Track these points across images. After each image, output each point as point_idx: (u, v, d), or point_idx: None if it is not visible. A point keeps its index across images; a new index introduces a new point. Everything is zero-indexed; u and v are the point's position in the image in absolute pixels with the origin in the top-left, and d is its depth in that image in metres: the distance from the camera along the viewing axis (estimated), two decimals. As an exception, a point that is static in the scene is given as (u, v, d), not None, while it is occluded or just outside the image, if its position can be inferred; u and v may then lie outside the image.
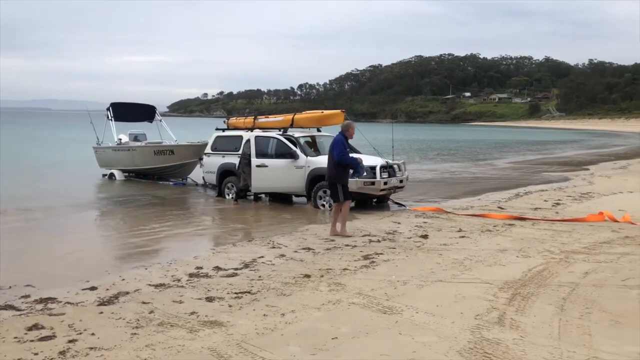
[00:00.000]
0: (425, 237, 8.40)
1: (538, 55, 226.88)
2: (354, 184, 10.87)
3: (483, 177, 19.63)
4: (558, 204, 11.92)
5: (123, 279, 6.18)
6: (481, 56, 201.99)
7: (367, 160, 11.72)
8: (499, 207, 11.42)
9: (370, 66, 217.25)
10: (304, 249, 7.68)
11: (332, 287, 5.73)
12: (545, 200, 12.41)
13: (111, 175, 17.47)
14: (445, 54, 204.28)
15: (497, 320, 4.67)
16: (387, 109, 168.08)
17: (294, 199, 12.82)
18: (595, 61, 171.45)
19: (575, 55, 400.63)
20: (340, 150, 8.65)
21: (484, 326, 4.53)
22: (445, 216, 10.39)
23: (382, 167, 11.22)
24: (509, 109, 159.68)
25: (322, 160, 11.68)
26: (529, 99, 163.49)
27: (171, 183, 16.70)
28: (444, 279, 6.01)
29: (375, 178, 11.02)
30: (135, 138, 18.77)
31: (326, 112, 13.13)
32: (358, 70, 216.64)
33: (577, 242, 7.91)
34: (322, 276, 6.18)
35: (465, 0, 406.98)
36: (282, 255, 7.26)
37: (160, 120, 19.81)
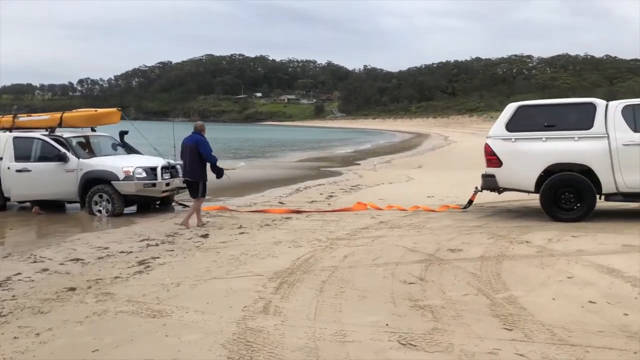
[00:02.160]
0: (205, 236, 8.48)
1: (321, 60, 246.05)
2: (133, 186, 10.45)
3: (269, 173, 20.56)
4: (331, 196, 13.13)
5: None
6: (270, 58, 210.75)
7: (148, 161, 11.37)
8: (279, 202, 12.10)
9: (159, 63, 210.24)
10: (71, 260, 7.09)
11: (99, 298, 5.42)
12: (320, 194, 13.55)
13: None
14: (236, 54, 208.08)
15: (262, 309, 4.97)
16: (179, 108, 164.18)
17: (67, 205, 11.73)
18: (369, 67, 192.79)
19: (352, 60, 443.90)
20: (210, 149, 9.31)
21: (249, 316, 4.78)
22: (229, 214, 10.62)
23: (164, 168, 10.97)
24: (297, 109, 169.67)
25: (96, 163, 10.92)
26: (314, 100, 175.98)
27: None
28: (219, 276, 6.15)
29: (156, 180, 10.71)
30: None
31: (100, 110, 12.28)
32: (146, 67, 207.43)
33: (342, 229, 8.82)
34: (89, 287, 5.79)
35: (253, 2, 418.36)
36: (45, 270, 6.60)
37: None
